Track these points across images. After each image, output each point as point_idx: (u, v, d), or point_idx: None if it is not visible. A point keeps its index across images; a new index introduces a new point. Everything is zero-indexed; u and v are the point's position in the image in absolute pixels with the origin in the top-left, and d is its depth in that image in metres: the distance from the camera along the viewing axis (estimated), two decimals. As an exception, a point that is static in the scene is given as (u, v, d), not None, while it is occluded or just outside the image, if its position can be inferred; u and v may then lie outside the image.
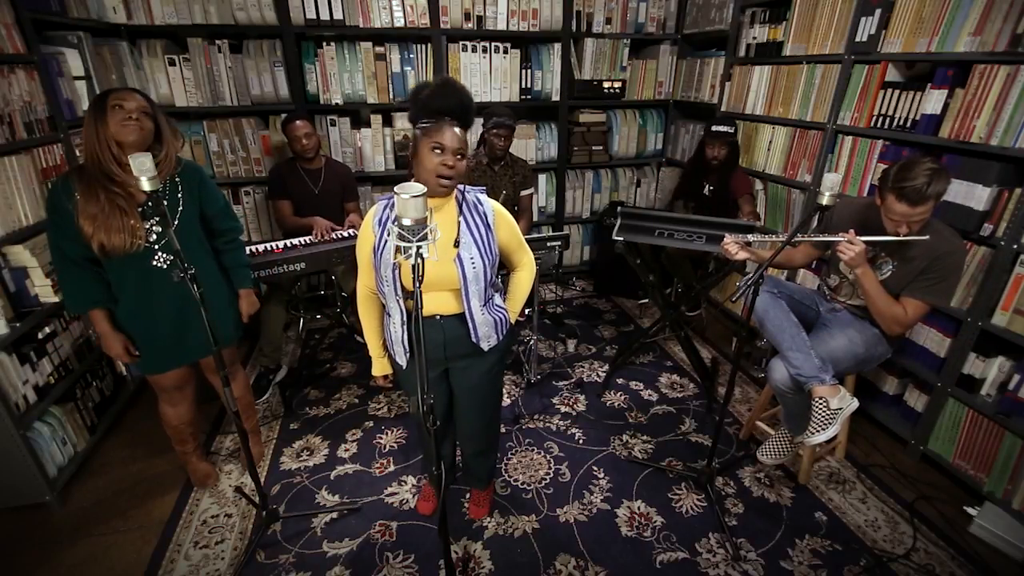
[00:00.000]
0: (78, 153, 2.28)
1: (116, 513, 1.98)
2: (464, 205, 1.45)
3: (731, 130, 2.84)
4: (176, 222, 1.66)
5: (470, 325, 1.49)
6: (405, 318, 1.46)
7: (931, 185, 1.58)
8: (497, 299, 1.57)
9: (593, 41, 3.44)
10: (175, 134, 1.69)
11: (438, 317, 1.48)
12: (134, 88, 1.60)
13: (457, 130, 1.36)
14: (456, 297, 1.46)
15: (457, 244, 1.41)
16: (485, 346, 1.54)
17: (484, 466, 1.90)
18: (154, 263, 1.63)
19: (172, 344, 1.75)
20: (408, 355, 1.52)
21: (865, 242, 1.69)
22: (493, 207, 1.49)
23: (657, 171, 4.05)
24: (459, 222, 1.43)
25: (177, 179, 1.68)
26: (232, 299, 1.90)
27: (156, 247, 1.62)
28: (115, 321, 1.73)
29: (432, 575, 1.72)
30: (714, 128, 2.86)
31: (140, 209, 1.59)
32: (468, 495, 2.00)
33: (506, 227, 1.51)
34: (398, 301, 1.43)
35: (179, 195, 1.68)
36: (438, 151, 1.34)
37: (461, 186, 1.47)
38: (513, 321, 1.64)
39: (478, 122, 3.09)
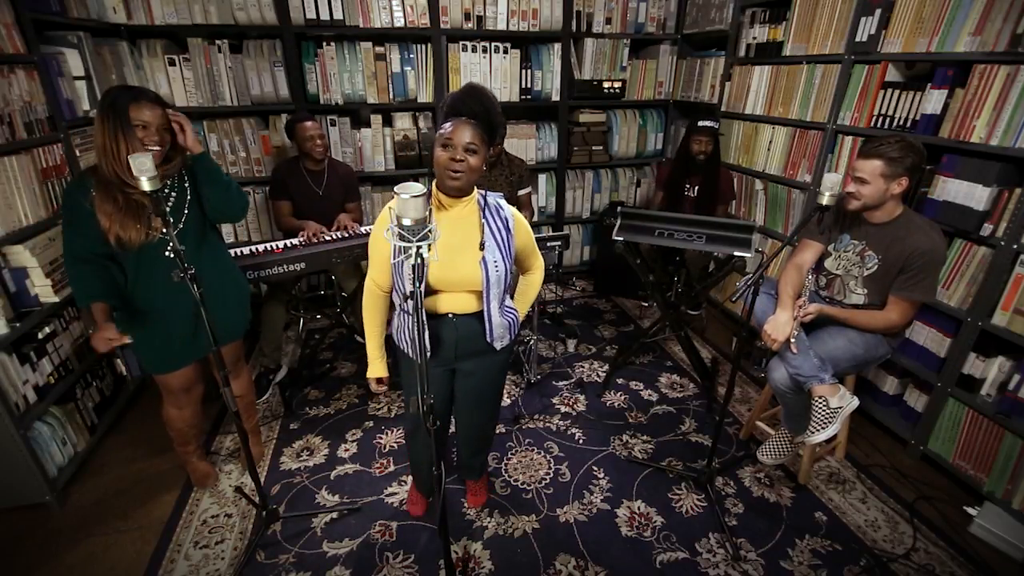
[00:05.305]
0: (78, 153, 2.28)
1: (116, 513, 1.98)
2: (486, 208, 1.47)
3: (716, 125, 2.89)
4: (187, 211, 1.68)
5: (487, 326, 1.52)
6: (424, 316, 1.43)
7: (880, 146, 1.69)
8: (507, 300, 1.60)
9: (593, 41, 3.44)
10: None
11: (451, 315, 1.49)
12: (142, 88, 1.55)
13: (470, 127, 1.36)
14: (475, 298, 1.49)
15: (483, 247, 1.42)
16: (498, 345, 1.57)
17: (479, 461, 1.95)
18: (168, 254, 1.64)
19: (186, 339, 1.75)
20: (429, 352, 1.51)
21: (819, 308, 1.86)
22: (512, 212, 1.51)
23: (657, 171, 4.05)
24: (482, 224, 1.45)
25: (184, 169, 1.69)
26: (246, 291, 1.92)
27: (168, 239, 1.63)
28: (124, 318, 1.72)
29: (432, 575, 1.72)
30: (700, 123, 2.88)
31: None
32: (465, 496, 2.01)
33: (523, 232, 1.55)
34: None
35: (186, 185, 1.69)
36: (446, 147, 1.35)
37: (482, 190, 1.50)
38: (520, 321, 1.68)
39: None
